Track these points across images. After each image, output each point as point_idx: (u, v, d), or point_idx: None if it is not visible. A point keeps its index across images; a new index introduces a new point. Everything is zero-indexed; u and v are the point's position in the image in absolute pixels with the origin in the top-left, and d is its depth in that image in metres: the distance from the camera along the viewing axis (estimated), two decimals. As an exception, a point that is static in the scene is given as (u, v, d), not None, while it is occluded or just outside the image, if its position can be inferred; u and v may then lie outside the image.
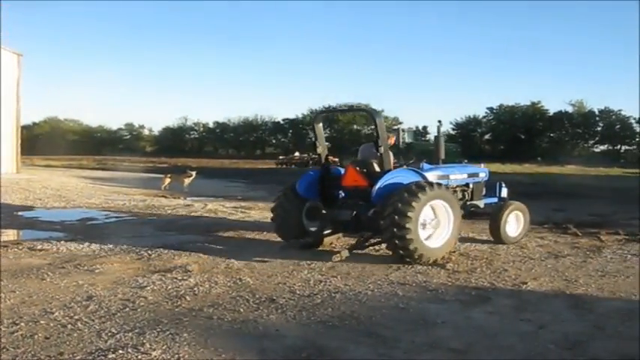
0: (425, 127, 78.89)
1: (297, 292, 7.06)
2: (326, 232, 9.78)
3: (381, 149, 9.37)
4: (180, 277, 7.66)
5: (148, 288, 7.10)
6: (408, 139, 42.45)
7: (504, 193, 11.72)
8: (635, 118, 73.60)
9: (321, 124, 10.79)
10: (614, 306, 6.74)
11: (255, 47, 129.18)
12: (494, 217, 10.70)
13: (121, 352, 4.91)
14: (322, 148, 10.36)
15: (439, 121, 11.74)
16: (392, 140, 10.51)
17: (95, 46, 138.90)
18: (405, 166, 9.91)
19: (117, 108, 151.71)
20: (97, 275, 7.78)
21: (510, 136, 73.71)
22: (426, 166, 10.09)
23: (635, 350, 5.27)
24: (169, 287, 7.16)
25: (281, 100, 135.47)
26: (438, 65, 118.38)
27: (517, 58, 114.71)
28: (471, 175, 11.17)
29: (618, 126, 74.44)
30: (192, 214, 14.79)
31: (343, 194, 9.99)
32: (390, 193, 8.88)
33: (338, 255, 8.71)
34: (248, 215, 14.60)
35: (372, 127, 10.15)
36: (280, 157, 52.23)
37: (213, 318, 5.93)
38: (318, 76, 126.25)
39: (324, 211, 9.80)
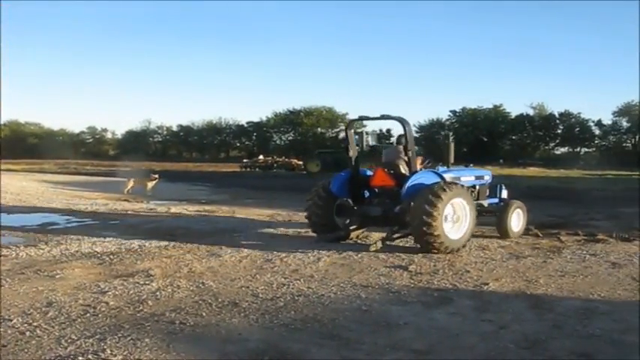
0: (389, 130, 79.08)
1: (260, 295, 7.06)
2: (352, 227, 11.19)
3: (410, 153, 10.71)
4: (142, 282, 7.60)
5: (110, 293, 7.03)
6: (372, 142, 42.79)
7: (504, 194, 12.86)
8: (593, 121, 74.85)
9: (352, 131, 11.94)
10: (572, 305, 6.86)
11: (218, 49, 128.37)
12: (501, 215, 11.79)
13: (80, 358, 4.86)
14: (353, 151, 11.54)
15: (449, 130, 12.87)
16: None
17: (56, 48, 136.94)
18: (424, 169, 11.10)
19: (79, 111, 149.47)
20: (57, 281, 7.67)
21: (473, 139, 74.32)
22: (440, 169, 11.25)
23: (591, 348, 5.37)
24: (131, 292, 7.09)
25: (245, 103, 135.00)
26: (402, 68, 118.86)
27: (480, 61, 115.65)
28: (477, 178, 12.36)
29: (578, 129, 75.49)
30: (155, 218, 14.68)
31: (369, 193, 11.31)
32: (418, 191, 10.13)
33: (374, 245, 10.05)
34: (211, 220, 14.53)
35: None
36: (244, 161, 52.03)
37: (176, 322, 5.89)
38: (283, 79, 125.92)
39: (355, 208, 10.95)
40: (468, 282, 7.93)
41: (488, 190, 12.64)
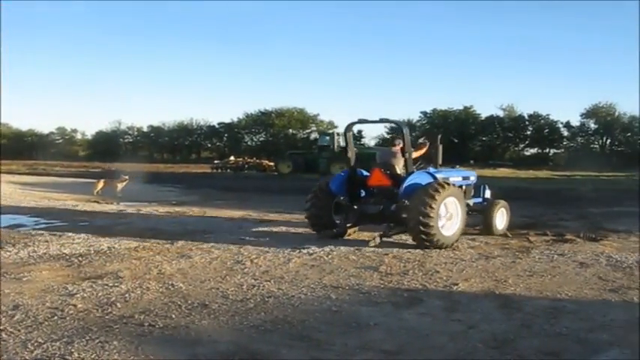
0: (360, 131, 79.47)
1: (230, 296, 7.04)
2: (349, 224, 11.66)
3: (406, 155, 11.28)
4: (111, 284, 7.54)
5: (78, 295, 6.96)
6: (343, 143, 42.94)
7: (488, 194, 13.58)
8: (562, 123, 75.82)
9: (351, 133, 12.51)
10: (540, 305, 6.93)
11: (189, 49, 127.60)
12: (487, 213, 12.52)
13: (48, 362, 4.82)
14: (352, 153, 12.16)
15: (440, 133, 13.94)
16: (423, 149, 12.47)
17: (24, 47, 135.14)
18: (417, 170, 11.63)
19: (48, 111, 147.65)
20: (24, 283, 7.58)
21: (444, 140, 74.89)
22: (431, 169, 11.81)
23: (558, 347, 5.44)
24: (100, 294, 7.03)
25: (217, 104, 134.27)
26: (373, 68, 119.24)
27: (451, 62, 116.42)
28: (464, 178, 13.02)
29: (547, 130, 76.40)
30: (125, 219, 14.57)
31: (366, 192, 11.87)
32: (414, 191, 10.75)
33: (372, 240, 10.65)
34: (180, 221, 14.45)
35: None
36: (215, 162, 51.81)
37: (145, 325, 5.86)
38: (254, 80, 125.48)
39: (355, 207, 11.55)
40: (438, 282, 7.98)
41: (473, 190, 13.23)
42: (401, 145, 11.61)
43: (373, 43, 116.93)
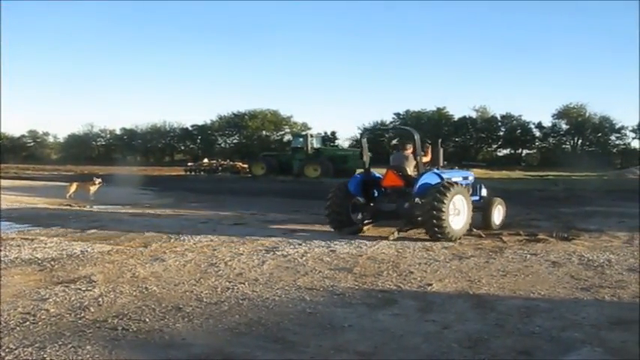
0: (334, 133, 79.58)
1: (204, 299, 7.02)
2: (366, 221, 12.94)
3: (418, 158, 12.55)
4: (84, 288, 7.48)
5: (50, 300, 6.90)
6: (316, 145, 43.10)
7: (484, 192, 14.55)
8: (534, 124, 76.52)
9: (365, 139, 14.10)
10: (514, 304, 7.00)
11: (161, 51, 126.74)
12: (485, 210, 13.50)
13: (19, 367, 4.77)
14: (367, 157, 13.55)
15: (439, 138, 14.61)
16: (429, 153, 13.56)
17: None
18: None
19: (19, 115, 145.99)
20: (-5, 288, 7.50)
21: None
22: (436, 170, 12.86)
23: (531, 345, 5.50)
24: (72, 298, 6.98)
25: (190, 107, 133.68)
26: (346, 70, 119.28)
27: (424, 63, 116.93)
28: (464, 178, 14.02)
29: (519, 131, 77.03)
30: (99, 222, 14.44)
31: (380, 192, 13.04)
32: (426, 191, 11.90)
33: (392, 234, 11.78)
34: (154, 223, 14.36)
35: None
36: (189, 164, 51.40)
37: (118, 329, 5.83)
38: (227, 82, 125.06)
39: (371, 204, 12.82)
40: (412, 283, 8.02)
41: (471, 189, 13.98)
42: (412, 150, 12.83)
43: (345, 44, 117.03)
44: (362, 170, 13.70)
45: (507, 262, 9.56)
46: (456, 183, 12.38)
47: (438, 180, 12.27)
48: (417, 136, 12.56)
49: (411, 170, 12.77)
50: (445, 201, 11.55)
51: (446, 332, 5.91)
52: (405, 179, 12.58)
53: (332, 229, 12.89)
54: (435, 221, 11.48)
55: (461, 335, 5.79)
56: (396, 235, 11.83)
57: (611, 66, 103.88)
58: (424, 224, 11.82)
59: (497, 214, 13.73)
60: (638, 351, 5.41)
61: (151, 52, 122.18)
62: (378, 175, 13.14)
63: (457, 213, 12.05)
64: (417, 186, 12.08)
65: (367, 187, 13.03)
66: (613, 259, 9.73)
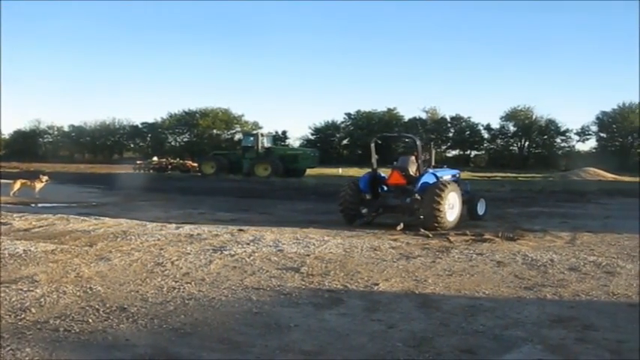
0: (285, 132, 79.60)
1: (150, 299, 6.95)
2: (373, 214, 14.80)
3: (419, 161, 14.61)
4: (26, 289, 7.33)
5: (-10, 301, 6.75)
6: (267, 144, 43.01)
7: (469, 188, 16.74)
8: (483, 125, 77.71)
9: (374, 145, 15.58)
10: (459, 303, 7.11)
11: (111, 48, 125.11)
12: (471, 203, 15.65)
13: (-46, 371, 4.66)
14: (374, 159, 15.29)
15: (431, 138, 15.01)
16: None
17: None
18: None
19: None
20: None
21: (368, 142, 75.41)
22: (430, 170, 14.92)
23: (474, 344, 5.59)
24: (13, 299, 6.83)
25: (140, 104, 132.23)
26: (298, 70, 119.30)
27: (375, 64, 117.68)
28: (453, 176, 15.99)
29: (468, 132, 78.10)
30: (44, 221, 14.15)
31: (386, 189, 14.91)
32: (425, 188, 13.93)
33: (399, 225, 13.54)
34: (101, 222, 14.13)
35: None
36: (138, 162, 50.79)
37: (60, 330, 5.73)
38: (178, 80, 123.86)
39: (377, 200, 14.79)
40: (359, 282, 8.06)
41: (460, 184, 15.61)
42: (415, 154, 14.75)
43: (297, 44, 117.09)
44: (369, 170, 15.43)
45: (453, 261, 9.68)
46: (450, 182, 14.52)
47: (435, 179, 14.44)
48: (418, 143, 14.76)
49: (412, 171, 14.73)
50: (443, 198, 13.47)
51: (391, 331, 5.96)
52: (408, 178, 14.59)
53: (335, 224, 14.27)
54: (434, 215, 13.37)
55: (406, 334, 5.85)
56: (402, 225, 13.54)
57: (557, 70, 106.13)
58: (424, 217, 13.60)
59: (481, 207, 15.92)
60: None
61: (101, 48, 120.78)
62: (383, 174, 15.11)
63: (451, 207, 13.91)
64: (419, 184, 14.10)
65: (374, 184, 14.90)
66: (555, 259, 9.94)
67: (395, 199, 14.63)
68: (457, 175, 16.50)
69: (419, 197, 13.86)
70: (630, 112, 71.60)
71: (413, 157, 14.91)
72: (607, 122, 73.84)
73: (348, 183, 15.26)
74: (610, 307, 7.09)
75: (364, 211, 14.66)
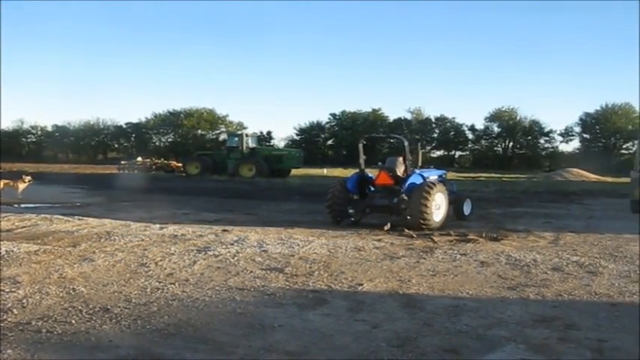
0: (269, 132, 79.55)
1: (133, 300, 6.93)
2: (360, 214, 14.78)
3: (407, 162, 14.66)
4: (8, 290, 7.28)
5: (-29, 303, 6.70)
6: (251, 144, 42.95)
7: (455, 188, 16.81)
8: (467, 126, 78.03)
9: (361, 145, 15.58)
10: (442, 303, 7.13)
11: (95, 47, 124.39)
12: (457, 203, 15.76)
13: None
14: (362, 160, 15.28)
15: (419, 140, 14.67)
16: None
17: None
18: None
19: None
20: None
21: (352, 142, 75.61)
22: (417, 171, 14.89)
23: (458, 343, 5.61)
24: (-5, 300, 6.79)
25: (124, 104, 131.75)
26: (282, 71, 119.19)
27: (360, 64, 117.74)
28: (439, 176, 16.01)
29: (453, 133, 78.38)
30: (27, 221, 14.06)
31: (373, 189, 14.95)
32: (413, 189, 14.01)
33: (387, 225, 13.58)
34: (85, 222, 14.06)
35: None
36: (122, 162, 50.55)
37: (42, 331, 5.69)
38: (163, 80, 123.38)
39: (365, 199, 14.83)
40: (343, 283, 8.07)
41: (446, 185, 15.76)
42: (403, 155, 14.79)
43: (281, 44, 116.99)
44: (356, 170, 15.55)
45: (437, 262, 9.71)
46: (437, 182, 14.51)
47: (422, 180, 14.42)
48: (406, 144, 14.77)
49: (400, 172, 14.75)
50: (430, 198, 13.61)
51: (375, 332, 5.97)
52: (395, 179, 14.61)
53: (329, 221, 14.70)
54: (421, 215, 13.50)
55: (390, 334, 5.86)
56: (389, 226, 13.58)
57: (542, 71, 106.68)
58: (411, 217, 13.70)
59: (467, 206, 16.10)
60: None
61: (85, 48, 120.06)
62: (371, 175, 15.12)
63: (438, 207, 14.07)
64: (406, 185, 14.16)
65: (362, 185, 14.98)
66: (539, 259, 10.00)
67: (382, 200, 14.67)
68: (443, 176, 16.57)
69: (406, 197, 13.90)
70: (613, 113, 72.14)
71: (400, 158, 14.95)
72: (590, 123, 74.34)
73: (336, 183, 15.28)
74: (592, 306, 7.14)
75: (351, 211, 14.65)
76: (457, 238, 12.31)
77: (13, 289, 7.28)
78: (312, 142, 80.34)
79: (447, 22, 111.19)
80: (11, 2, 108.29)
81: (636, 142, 49.55)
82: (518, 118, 76.65)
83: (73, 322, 6.05)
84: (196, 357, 5.15)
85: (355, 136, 76.96)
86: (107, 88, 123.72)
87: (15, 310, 6.39)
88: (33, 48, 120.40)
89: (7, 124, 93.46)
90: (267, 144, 68.36)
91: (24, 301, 6.79)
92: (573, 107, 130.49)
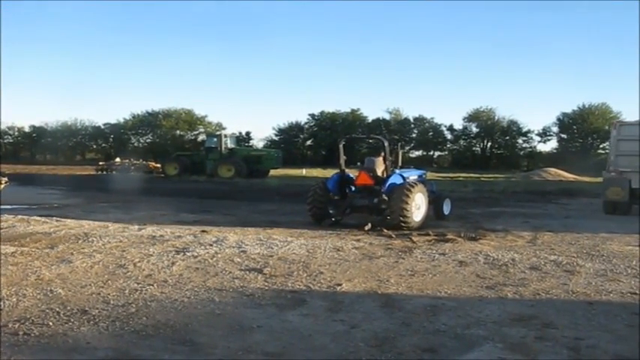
0: (248, 133, 79.37)
1: (112, 302, 6.89)
2: (341, 214, 14.84)
3: (387, 162, 14.86)
4: (-16, 292, 7.22)
5: (-54, 305, 6.63)
6: (230, 145, 42.86)
7: (434, 188, 16.90)
8: (446, 126, 78.34)
9: (342, 145, 15.80)
10: (421, 303, 7.15)
11: (72, 48, 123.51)
12: (436, 203, 16.05)
13: None
14: (342, 160, 15.42)
15: (399, 140, 14.77)
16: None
17: None
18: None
19: None
20: None
21: (331, 142, 75.68)
22: (397, 171, 15.12)
23: (436, 343, 5.65)
24: (-29, 303, 6.72)
25: (102, 104, 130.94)
26: (261, 71, 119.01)
27: (338, 65, 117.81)
28: (419, 176, 16.32)
29: (431, 133, 78.68)
30: (3, 223, 13.92)
31: (354, 189, 15.01)
32: (393, 189, 14.15)
33: (367, 225, 13.63)
34: (63, 224, 13.96)
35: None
36: (100, 163, 50.25)
37: (19, 334, 5.64)
38: (141, 80, 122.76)
39: (345, 200, 14.92)
40: (322, 283, 8.09)
41: (426, 184, 15.96)
42: (383, 155, 14.94)
43: (260, 44, 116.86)
44: (337, 171, 15.62)
45: (416, 261, 9.75)
46: (417, 182, 14.70)
47: (402, 180, 14.67)
48: (386, 144, 15.02)
49: (380, 172, 14.87)
50: (410, 198, 13.78)
51: (353, 332, 5.99)
52: (376, 179, 14.70)
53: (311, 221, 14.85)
54: (401, 215, 13.62)
55: (368, 334, 5.88)
56: (369, 226, 13.60)
57: (519, 72, 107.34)
58: (391, 217, 13.81)
59: (447, 206, 16.40)
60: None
61: (62, 47, 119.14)
62: (351, 175, 15.24)
63: (418, 207, 14.18)
64: (388, 184, 14.33)
65: (344, 185, 15.11)
66: (517, 258, 10.07)
67: (363, 200, 14.75)
68: (423, 176, 16.80)
69: (386, 198, 14.04)
70: (590, 113, 72.67)
71: (380, 158, 15.06)
72: (567, 123, 74.87)
73: (317, 183, 15.45)
74: (569, 305, 7.21)
75: (332, 211, 14.75)
76: (436, 237, 12.37)
77: (-11, 292, 7.22)
78: (291, 143, 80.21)
79: (425, 23, 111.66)
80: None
81: None
82: (496, 118, 77.09)
83: (51, 324, 6.00)
84: (175, 358, 5.14)
85: (334, 137, 76.96)
86: (85, 88, 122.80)
87: (-9, 313, 6.34)
88: (9, 49, 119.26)
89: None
90: (246, 144, 68.28)
91: (0, 303, 6.73)
92: (551, 107, 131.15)
